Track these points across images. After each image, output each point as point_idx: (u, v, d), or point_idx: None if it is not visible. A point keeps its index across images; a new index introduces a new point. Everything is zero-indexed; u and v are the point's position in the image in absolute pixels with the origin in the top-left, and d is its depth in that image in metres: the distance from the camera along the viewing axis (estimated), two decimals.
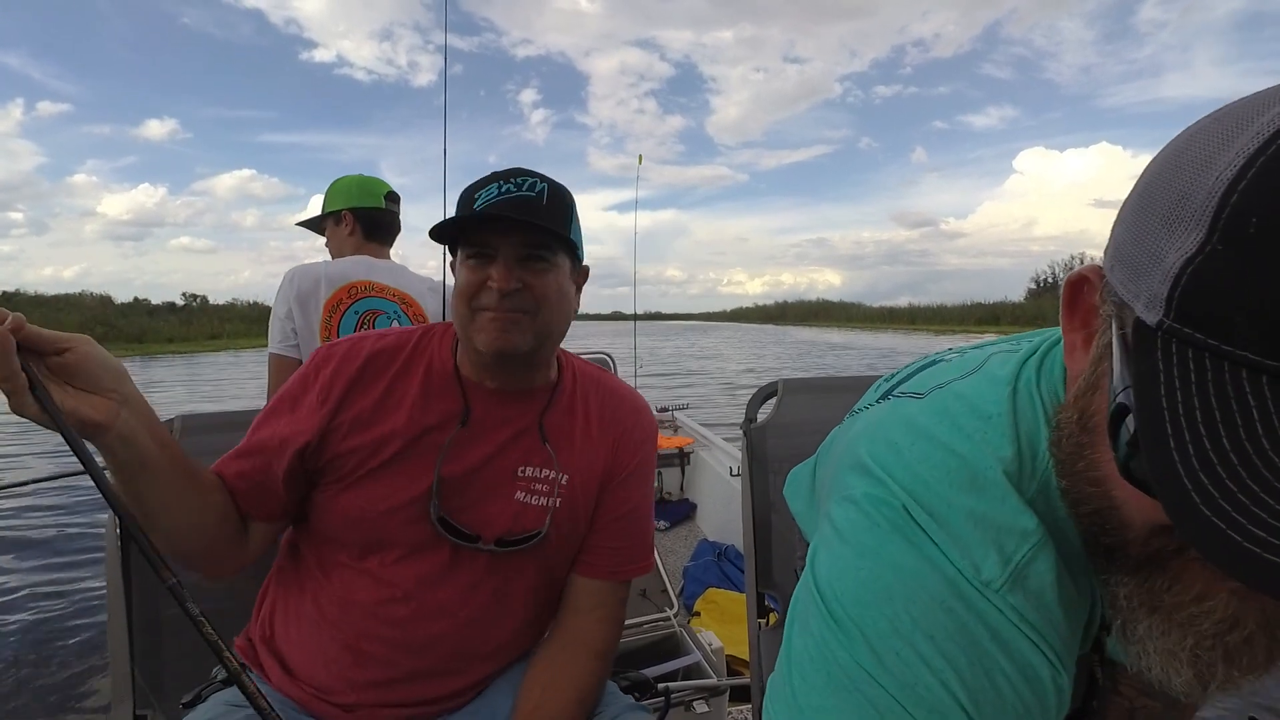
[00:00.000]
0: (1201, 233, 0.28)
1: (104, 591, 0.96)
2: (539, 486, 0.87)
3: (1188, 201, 0.29)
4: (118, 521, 0.91)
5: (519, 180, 0.81)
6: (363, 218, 1.81)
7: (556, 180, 0.84)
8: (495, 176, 0.82)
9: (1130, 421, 0.31)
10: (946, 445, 0.44)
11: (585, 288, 0.93)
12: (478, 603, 0.85)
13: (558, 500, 0.87)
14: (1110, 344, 0.34)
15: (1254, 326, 0.26)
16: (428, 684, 0.83)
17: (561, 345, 0.92)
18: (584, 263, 0.91)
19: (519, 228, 0.79)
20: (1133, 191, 0.35)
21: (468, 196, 0.82)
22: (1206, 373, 0.28)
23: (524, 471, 0.86)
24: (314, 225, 1.93)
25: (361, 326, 1.70)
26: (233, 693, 0.82)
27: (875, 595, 0.40)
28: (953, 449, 0.43)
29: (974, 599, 0.39)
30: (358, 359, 0.84)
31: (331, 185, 1.87)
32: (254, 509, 0.83)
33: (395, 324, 1.73)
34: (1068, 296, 0.39)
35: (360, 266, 1.74)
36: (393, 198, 1.86)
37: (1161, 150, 0.34)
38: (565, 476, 0.88)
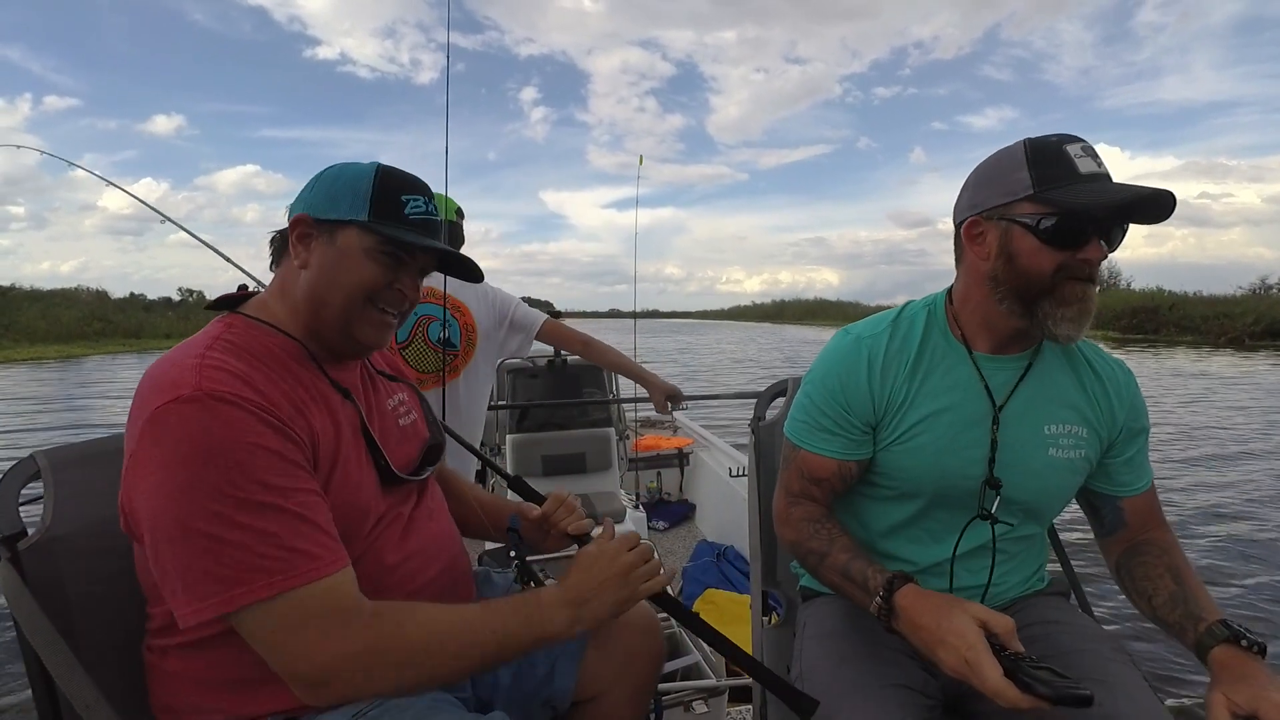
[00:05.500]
0: (1028, 175, 0.86)
1: None
2: (403, 407, 1.02)
3: (1014, 173, 0.87)
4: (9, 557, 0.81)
5: (433, 204, 0.90)
6: None
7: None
8: (416, 188, 0.88)
9: (1040, 220, 0.86)
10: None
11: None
12: (435, 515, 0.98)
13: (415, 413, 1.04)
14: (1002, 230, 0.89)
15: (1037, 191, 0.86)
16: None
17: None
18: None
19: (439, 253, 0.90)
20: (974, 175, 0.94)
21: (394, 196, 0.86)
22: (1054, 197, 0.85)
23: (391, 403, 1.00)
24: None
25: (416, 330, 1.86)
26: None
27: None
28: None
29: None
30: (262, 407, 0.75)
31: None
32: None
33: (445, 328, 1.85)
34: (968, 237, 0.94)
35: None
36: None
37: (985, 160, 0.92)
38: (405, 393, 1.04)
